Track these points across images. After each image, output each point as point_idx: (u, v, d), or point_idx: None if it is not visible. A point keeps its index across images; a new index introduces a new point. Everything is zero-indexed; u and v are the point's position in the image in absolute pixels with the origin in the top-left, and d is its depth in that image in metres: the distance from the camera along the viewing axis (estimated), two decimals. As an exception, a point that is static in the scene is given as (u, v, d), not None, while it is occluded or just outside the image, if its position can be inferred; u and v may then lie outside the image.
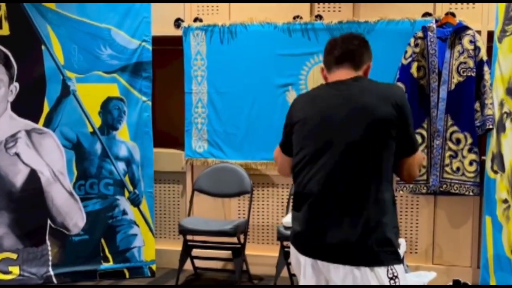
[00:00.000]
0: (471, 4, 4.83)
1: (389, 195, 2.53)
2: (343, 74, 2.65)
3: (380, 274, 2.44)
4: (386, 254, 2.47)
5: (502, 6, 4.19)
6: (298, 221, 2.61)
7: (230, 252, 5.00)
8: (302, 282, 2.63)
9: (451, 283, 4.66)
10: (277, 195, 5.26)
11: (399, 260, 2.50)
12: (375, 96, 2.53)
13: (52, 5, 4.88)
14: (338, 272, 2.47)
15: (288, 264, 4.70)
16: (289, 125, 2.74)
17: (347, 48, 2.68)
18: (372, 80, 2.65)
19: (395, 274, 2.47)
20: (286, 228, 4.46)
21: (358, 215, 2.45)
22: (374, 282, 2.44)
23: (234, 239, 4.88)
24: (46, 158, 4.93)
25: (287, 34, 5.07)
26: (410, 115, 2.56)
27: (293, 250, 2.67)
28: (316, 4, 5.09)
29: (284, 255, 4.72)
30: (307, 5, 5.09)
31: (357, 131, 2.48)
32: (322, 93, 2.68)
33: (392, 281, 2.45)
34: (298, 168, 2.63)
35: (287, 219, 4.06)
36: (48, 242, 4.97)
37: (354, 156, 2.49)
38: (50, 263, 4.97)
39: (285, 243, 4.71)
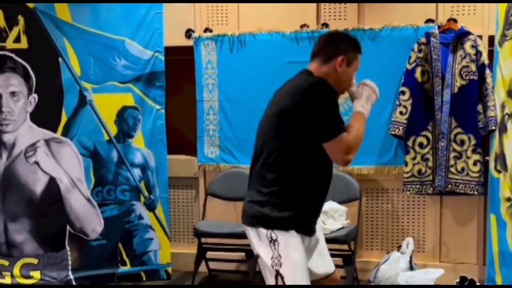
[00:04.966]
0: (472, 10, 4.91)
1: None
2: (311, 66, 2.97)
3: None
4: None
5: (502, 11, 4.30)
6: None
7: (243, 253, 5.08)
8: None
9: (458, 280, 4.76)
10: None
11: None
12: (286, 90, 2.89)
13: (68, 18, 5.01)
14: None
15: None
16: None
17: (317, 45, 3.01)
18: (305, 75, 2.92)
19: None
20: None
21: None
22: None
23: (247, 241, 4.96)
24: (65, 166, 5.05)
25: (294, 42, 5.17)
26: (318, 103, 2.76)
27: None
28: (322, 13, 5.18)
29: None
30: (314, 14, 5.19)
31: (263, 121, 2.97)
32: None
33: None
34: None
35: None
36: (67, 247, 5.08)
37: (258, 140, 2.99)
38: (69, 267, 5.08)
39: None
